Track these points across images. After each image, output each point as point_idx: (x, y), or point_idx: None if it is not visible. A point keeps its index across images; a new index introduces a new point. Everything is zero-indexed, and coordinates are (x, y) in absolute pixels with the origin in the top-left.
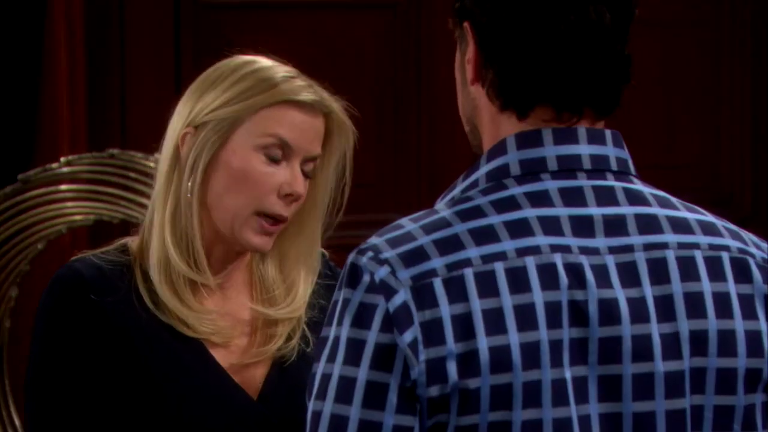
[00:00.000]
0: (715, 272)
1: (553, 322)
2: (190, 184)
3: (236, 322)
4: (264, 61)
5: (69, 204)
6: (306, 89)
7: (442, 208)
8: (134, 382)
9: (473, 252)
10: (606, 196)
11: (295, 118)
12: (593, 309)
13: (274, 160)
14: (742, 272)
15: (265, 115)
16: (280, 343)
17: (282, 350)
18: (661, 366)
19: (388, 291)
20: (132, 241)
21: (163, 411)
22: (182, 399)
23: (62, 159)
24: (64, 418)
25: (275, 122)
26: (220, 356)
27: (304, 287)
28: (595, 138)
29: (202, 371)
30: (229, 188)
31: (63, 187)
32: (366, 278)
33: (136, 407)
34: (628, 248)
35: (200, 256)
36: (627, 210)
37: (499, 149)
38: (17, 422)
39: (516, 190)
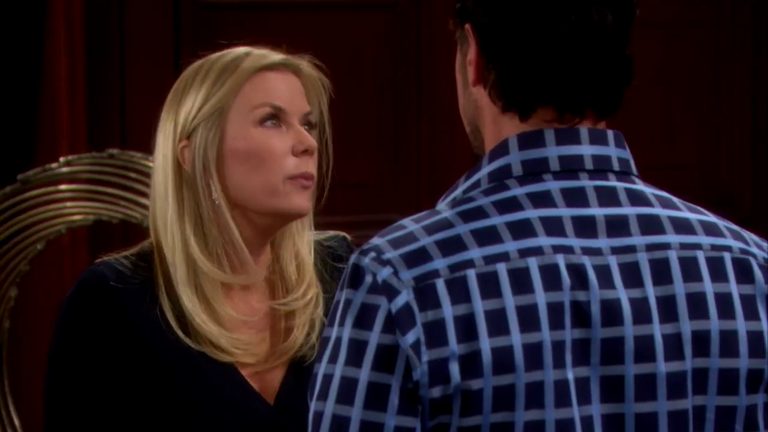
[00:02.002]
0: (717, 272)
1: (556, 322)
2: (213, 189)
3: (260, 327)
4: (215, 54)
5: (68, 204)
6: (270, 53)
7: (443, 209)
8: (152, 388)
9: (476, 253)
10: (608, 197)
11: (275, 81)
12: (595, 310)
13: (274, 127)
14: (743, 272)
15: (247, 91)
16: (300, 339)
17: (302, 349)
18: (663, 367)
19: (391, 292)
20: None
21: (180, 417)
22: (199, 406)
23: (62, 159)
24: (81, 423)
25: (259, 92)
26: (244, 369)
27: (306, 251)
28: (597, 138)
29: (220, 378)
30: (248, 171)
31: (62, 187)
32: (368, 279)
33: (152, 412)
34: (631, 249)
35: (245, 255)
36: (629, 210)
37: (501, 150)
38: (17, 422)
39: (518, 191)
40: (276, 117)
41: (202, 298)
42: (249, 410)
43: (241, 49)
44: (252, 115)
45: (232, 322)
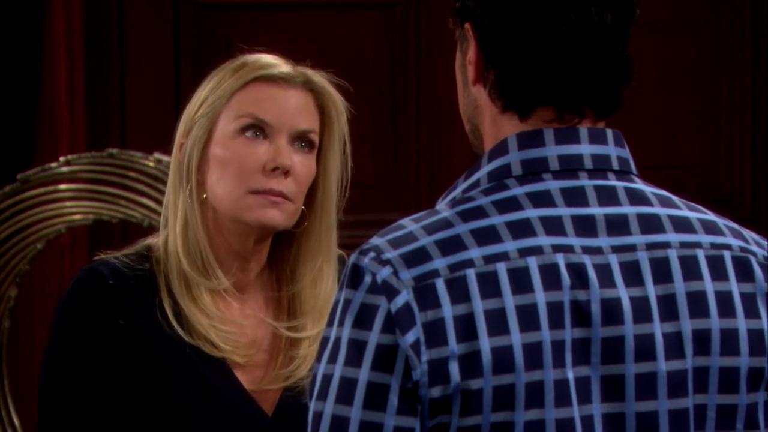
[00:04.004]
0: (717, 271)
1: (556, 322)
2: (188, 188)
3: (254, 340)
4: (245, 56)
5: (68, 203)
6: (277, 65)
7: (443, 209)
8: (149, 385)
9: (475, 252)
10: (608, 196)
11: (267, 93)
12: (596, 309)
13: (255, 139)
14: (743, 271)
15: (238, 99)
16: (301, 366)
17: (299, 373)
18: (663, 365)
19: (390, 292)
20: (154, 242)
21: (179, 422)
22: (199, 411)
23: (61, 158)
24: (76, 420)
25: (247, 102)
26: (240, 374)
27: (332, 281)
28: (597, 138)
29: (219, 384)
30: (220, 178)
31: (62, 186)
32: (368, 279)
33: (151, 415)
34: (631, 248)
35: (209, 259)
36: (629, 209)
37: (501, 149)
38: (17, 422)
39: (517, 191)
40: (259, 129)
41: (188, 291)
42: (241, 410)
43: (254, 56)
44: (235, 123)
45: (220, 319)
